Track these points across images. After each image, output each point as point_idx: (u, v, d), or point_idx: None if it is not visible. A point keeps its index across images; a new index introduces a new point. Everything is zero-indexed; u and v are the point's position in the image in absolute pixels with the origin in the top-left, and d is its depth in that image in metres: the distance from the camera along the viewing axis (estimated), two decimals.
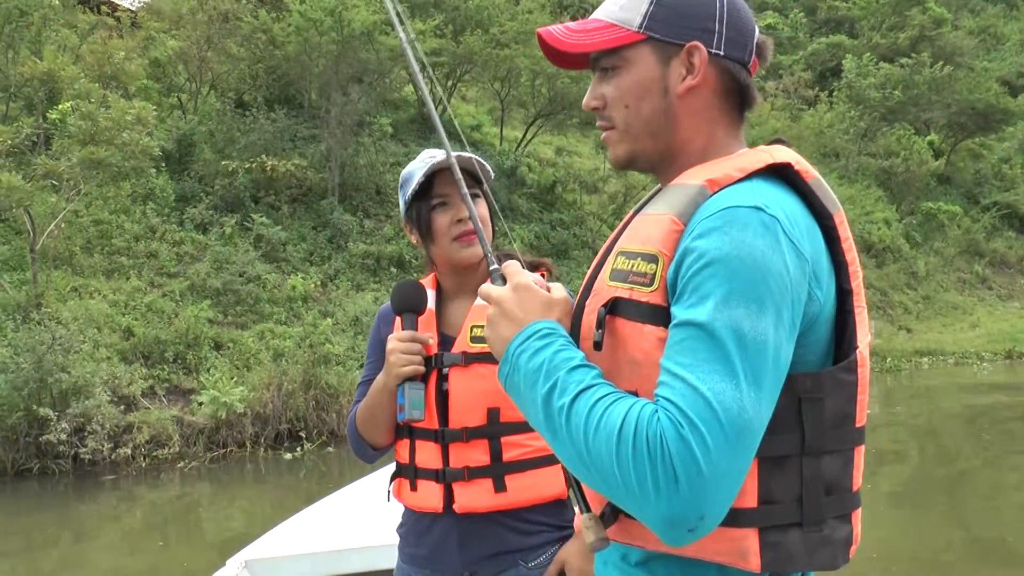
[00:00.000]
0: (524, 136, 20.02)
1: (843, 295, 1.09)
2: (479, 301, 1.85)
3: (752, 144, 1.20)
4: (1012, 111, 26.47)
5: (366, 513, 3.54)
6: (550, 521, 1.86)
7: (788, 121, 26.51)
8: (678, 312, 1.00)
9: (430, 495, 1.85)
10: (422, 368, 1.80)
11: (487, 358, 1.78)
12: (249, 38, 16.39)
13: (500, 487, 1.81)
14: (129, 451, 10.54)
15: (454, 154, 1.83)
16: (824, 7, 35.00)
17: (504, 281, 1.18)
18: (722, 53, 1.14)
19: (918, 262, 23.69)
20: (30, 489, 10.05)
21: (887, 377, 18.01)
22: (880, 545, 7.00)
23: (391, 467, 1.99)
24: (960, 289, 24.19)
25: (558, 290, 1.19)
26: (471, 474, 1.81)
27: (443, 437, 1.83)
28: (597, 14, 1.20)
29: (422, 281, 1.94)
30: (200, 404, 11.29)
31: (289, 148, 15.99)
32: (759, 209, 1.01)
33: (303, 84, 16.73)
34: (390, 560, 2.01)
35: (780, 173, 1.10)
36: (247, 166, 15.01)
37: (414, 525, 1.92)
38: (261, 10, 15.99)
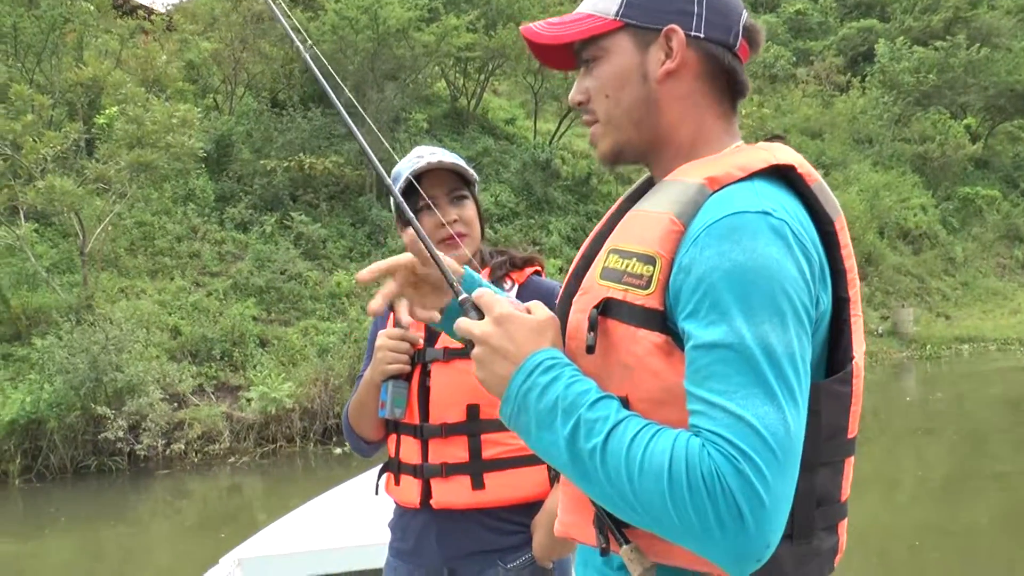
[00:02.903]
0: (558, 129, 20.03)
1: (840, 303, 1.05)
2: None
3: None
4: None
5: (359, 511, 3.51)
6: (529, 522, 1.83)
7: (820, 108, 26.23)
8: (696, 331, 0.96)
9: (410, 490, 1.86)
10: (407, 367, 1.81)
11: (467, 353, 1.86)
12: (283, 38, 16.54)
13: (478, 484, 1.79)
14: (182, 447, 10.77)
15: (439, 156, 1.85)
16: None
17: (480, 313, 1.10)
18: (702, 35, 1.10)
19: (956, 248, 23.36)
20: (89, 486, 10.31)
21: (927, 364, 17.84)
22: (924, 533, 7.00)
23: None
24: (1000, 275, 23.81)
25: (540, 310, 1.11)
26: (449, 470, 1.80)
27: (422, 432, 1.83)
28: (579, 8, 1.17)
29: None
30: (248, 401, 11.49)
31: (325, 146, 16.15)
32: (766, 213, 0.97)
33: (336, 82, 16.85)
34: (381, 559, 2.01)
35: (782, 174, 1.06)
36: (285, 165, 15.20)
37: (399, 519, 1.94)
38: (296, 9, 16.13)
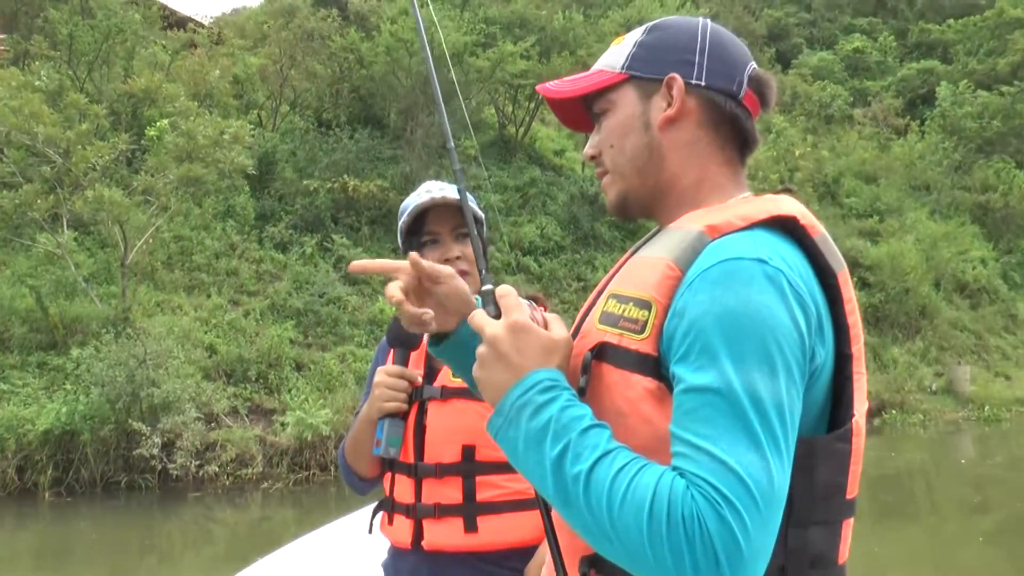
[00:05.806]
0: None
1: (842, 359, 1.04)
2: None
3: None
4: None
5: (350, 550, 3.42)
6: (523, 567, 1.77)
7: (876, 151, 25.59)
8: (685, 375, 0.96)
9: (402, 530, 1.82)
10: (404, 406, 1.79)
11: (465, 393, 1.72)
12: (334, 56, 16.46)
13: (471, 527, 1.75)
14: (215, 469, 10.51)
15: (446, 192, 1.85)
16: (915, 30, 33.84)
17: (497, 310, 1.10)
18: (703, 83, 1.12)
19: (1018, 304, 22.42)
20: (117, 503, 10.11)
21: (985, 426, 17.09)
22: None
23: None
24: None
25: (558, 327, 1.11)
26: (441, 511, 1.77)
27: (417, 472, 1.80)
28: (594, 66, 1.22)
29: None
30: (283, 425, 11.23)
31: (370, 169, 15.97)
32: (762, 261, 0.97)
33: (385, 104, 16.72)
34: None
35: (785, 226, 1.06)
36: (328, 186, 15.01)
37: (392, 559, 1.89)
38: (350, 29, 16.06)
